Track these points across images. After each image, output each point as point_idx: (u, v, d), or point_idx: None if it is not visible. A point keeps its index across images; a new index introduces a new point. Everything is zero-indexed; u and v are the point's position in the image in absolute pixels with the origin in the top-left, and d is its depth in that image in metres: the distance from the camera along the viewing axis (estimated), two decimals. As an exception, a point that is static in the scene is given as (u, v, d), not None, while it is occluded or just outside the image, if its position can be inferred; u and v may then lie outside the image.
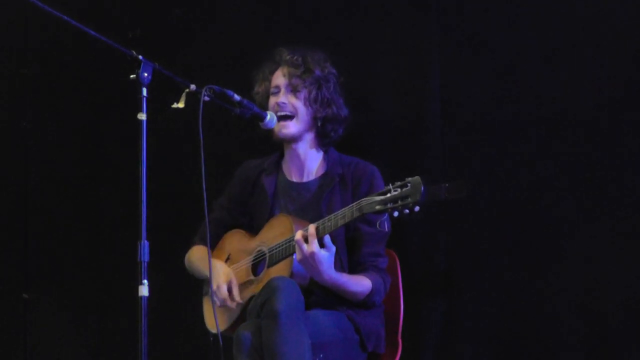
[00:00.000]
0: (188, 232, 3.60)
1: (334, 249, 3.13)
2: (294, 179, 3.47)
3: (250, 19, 4.31)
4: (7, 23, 4.75)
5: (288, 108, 3.41)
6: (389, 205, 2.97)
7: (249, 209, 3.51)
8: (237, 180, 3.57)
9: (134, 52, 2.81)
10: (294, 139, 3.44)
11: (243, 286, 3.35)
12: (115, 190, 4.50)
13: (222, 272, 3.33)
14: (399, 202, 2.94)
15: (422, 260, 3.90)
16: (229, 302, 3.29)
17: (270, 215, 3.41)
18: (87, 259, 4.58)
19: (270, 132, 3.39)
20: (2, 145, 4.78)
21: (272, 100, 3.45)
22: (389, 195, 2.97)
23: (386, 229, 3.17)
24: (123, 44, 2.82)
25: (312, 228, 3.11)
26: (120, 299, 4.01)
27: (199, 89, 3.00)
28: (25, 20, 4.72)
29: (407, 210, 2.93)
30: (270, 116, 3.33)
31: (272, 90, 3.47)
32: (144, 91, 2.78)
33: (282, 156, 3.53)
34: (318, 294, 3.26)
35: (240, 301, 3.29)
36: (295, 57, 3.44)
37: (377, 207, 2.99)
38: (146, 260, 2.73)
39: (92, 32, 2.78)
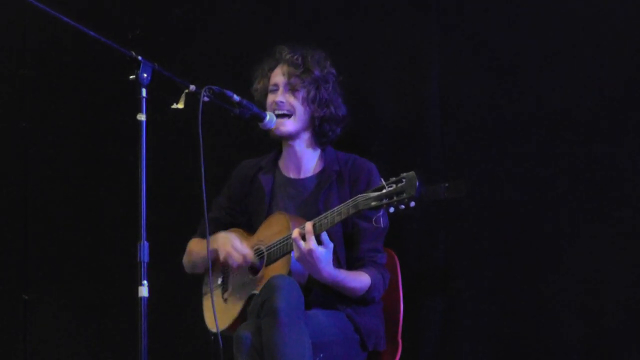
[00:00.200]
0: (188, 232, 3.61)
1: (331, 245, 3.14)
2: (292, 175, 3.48)
3: (250, 19, 4.31)
4: (6, 23, 4.75)
5: (286, 107, 3.41)
6: (384, 201, 2.97)
7: (247, 207, 3.51)
8: (235, 179, 3.57)
9: (133, 53, 2.81)
10: (291, 137, 3.44)
11: (242, 286, 3.36)
12: (115, 191, 4.50)
13: (222, 242, 3.34)
14: (395, 197, 2.95)
15: (422, 259, 3.90)
16: (246, 259, 3.30)
17: (268, 212, 3.41)
18: (87, 260, 4.58)
19: (268, 130, 3.39)
20: (2, 145, 4.78)
21: (270, 98, 3.46)
22: (384, 191, 2.98)
23: (382, 225, 3.16)
24: (122, 44, 2.82)
25: (309, 225, 3.12)
26: (120, 299, 4.02)
27: (198, 90, 3.00)
28: (25, 21, 4.72)
29: (402, 206, 2.94)
30: (269, 117, 3.34)
31: (270, 87, 3.48)
32: (144, 92, 2.79)
33: (279, 154, 3.54)
34: (317, 292, 3.26)
35: (248, 252, 3.30)
36: (295, 57, 3.44)
37: (373, 203, 3.00)
38: (146, 260, 2.73)
39: (92, 33, 2.78)
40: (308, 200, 3.40)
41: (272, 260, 3.27)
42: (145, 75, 2.80)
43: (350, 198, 3.14)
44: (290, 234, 3.15)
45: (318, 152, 3.49)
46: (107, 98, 4.50)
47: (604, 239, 3.62)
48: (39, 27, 4.64)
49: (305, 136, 3.46)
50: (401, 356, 3.36)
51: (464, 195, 2.94)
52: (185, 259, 3.58)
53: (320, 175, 3.44)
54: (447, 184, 2.94)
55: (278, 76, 3.46)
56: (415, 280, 3.76)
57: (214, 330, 3.35)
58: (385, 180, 3.00)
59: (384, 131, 4.01)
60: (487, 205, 3.80)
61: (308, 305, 3.18)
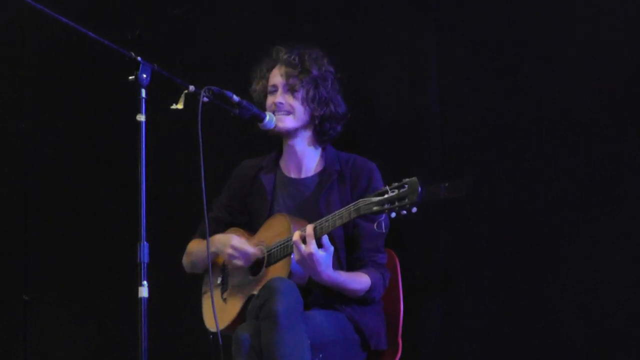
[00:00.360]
0: (188, 232, 3.61)
1: (331, 249, 3.14)
2: (292, 175, 3.48)
3: (250, 19, 4.31)
4: (6, 23, 4.75)
5: (285, 108, 3.41)
6: (386, 206, 2.97)
7: (248, 207, 3.51)
8: (236, 179, 3.57)
9: (133, 54, 2.81)
10: (290, 134, 3.44)
11: (242, 286, 3.36)
12: (115, 191, 4.50)
13: (220, 245, 3.35)
14: (396, 203, 2.95)
15: (422, 260, 3.89)
16: (248, 258, 3.30)
17: (270, 212, 3.41)
18: (87, 260, 4.58)
19: (268, 130, 3.39)
20: (1, 145, 4.78)
21: (270, 99, 3.46)
22: (386, 196, 2.98)
23: (383, 230, 3.17)
24: (122, 45, 2.82)
25: (309, 229, 3.12)
26: (120, 299, 4.01)
27: (197, 90, 3.00)
28: (24, 22, 4.72)
29: (404, 211, 2.94)
30: (269, 117, 3.34)
31: (269, 89, 3.48)
32: (143, 92, 2.79)
33: (280, 154, 3.54)
34: (317, 294, 3.26)
35: (248, 248, 3.31)
36: (292, 57, 3.44)
37: (375, 208, 3.00)
38: (146, 261, 2.73)
39: (91, 34, 2.78)
40: (309, 200, 3.40)
41: (272, 261, 3.27)
42: (144, 75, 2.80)
43: (351, 198, 3.15)
44: (291, 236, 3.15)
45: (319, 151, 3.49)
46: (107, 98, 4.50)
47: (604, 239, 3.61)
48: (39, 27, 4.63)
49: (306, 135, 3.46)
50: (401, 356, 3.36)
51: (464, 195, 2.94)
52: (185, 260, 3.57)
53: (321, 175, 3.43)
54: (447, 184, 2.93)
55: (276, 77, 3.46)
56: (416, 280, 3.76)
57: (212, 329, 3.35)
58: (387, 184, 3.00)
59: (383, 131, 4.01)
60: (487, 205, 3.79)
61: (308, 307, 3.18)
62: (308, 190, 3.43)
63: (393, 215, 2.96)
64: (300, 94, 3.41)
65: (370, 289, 3.27)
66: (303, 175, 3.47)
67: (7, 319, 4.70)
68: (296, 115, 3.41)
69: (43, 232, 4.70)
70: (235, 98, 3.16)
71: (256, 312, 3.08)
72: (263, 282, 3.19)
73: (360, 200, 3.05)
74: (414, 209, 2.93)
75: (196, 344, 3.87)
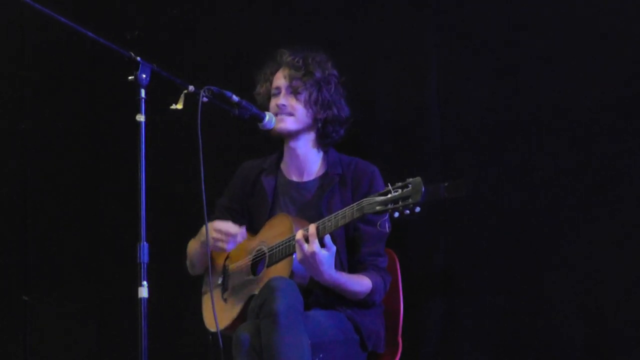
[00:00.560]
0: (188, 233, 3.60)
1: (334, 248, 3.14)
2: (294, 178, 3.48)
3: (250, 19, 4.31)
4: (6, 23, 4.75)
5: (287, 109, 3.41)
6: (389, 206, 2.97)
7: (248, 208, 3.51)
8: (237, 181, 3.57)
9: (132, 54, 2.81)
10: (291, 136, 3.44)
11: (242, 286, 3.36)
12: (115, 192, 4.50)
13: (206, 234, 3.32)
14: (400, 202, 2.94)
15: (422, 259, 3.89)
16: (234, 236, 3.28)
17: (270, 214, 3.41)
18: (87, 260, 4.58)
19: (269, 130, 3.39)
20: (1, 145, 4.78)
21: (273, 101, 3.46)
22: (389, 195, 2.98)
23: (387, 229, 3.17)
24: (121, 45, 2.82)
25: (312, 228, 3.12)
26: (120, 300, 4.01)
27: (197, 90, 3.00)
28: (24, 22, 4.72)
29: (407, 211, 2.94)
30: (268, 117, 3.34)
31: (273, 91, 3.48)
32: (142, 92, 2.79)
33: (281, 156, 3.53)
34: (317, 294, 3.26)
35: (235, 229, 3.28)
36: (296, 59, 3.44)
37: (378, 208, 3.00)
38: (146, 261, 2.73)
39: (90, 34, 2.78)
40: (310, 204, 3.40)
41: (273, 261, 3.27)
42: (144, 76, 2.80)
43: (352, 201, 3.14)
44: (293, 236, 3.15)
45: (321, 154, 3.48)
46: (107, 98, 4.50)
47: (604, 239, 3.61)
48: (39, 27, 4.64)
49: (309, 138, 3.46)
50: (401, 356, 3.36)
51: (464, 195, 2.93)
52: (187, 262, 3.58)
53: (323, 179, 3.43)
54: (447, 184, 2.93)
55: (280, 79, 3.46)
56: (416, 280, 3.75)
57: (212, 329, 3.35)
58: (391, 184, 2.99)
59: (383, 131, 4.00)
60: (487, 205, 3.79)
61: (308, 307, 3.18)
62: (309, 193, 3.43)
63: (396, 215, 2.95)
64: (303, 96, 3.42)
65: (371, 292, 3.27)
66: (305, 179, 3.47)
67: (7, 319, 4.70)
68: (298, 117, 3.42)
69: (43, 232, 4.70)
70: (235, 98, 3.16)
71: (256, 311, 3.08)
72: (264, 282, 3.19)
73: (364, 199, 3.05)
74: (418, 209, 2.92)
75: (196, 344, 3.88)
